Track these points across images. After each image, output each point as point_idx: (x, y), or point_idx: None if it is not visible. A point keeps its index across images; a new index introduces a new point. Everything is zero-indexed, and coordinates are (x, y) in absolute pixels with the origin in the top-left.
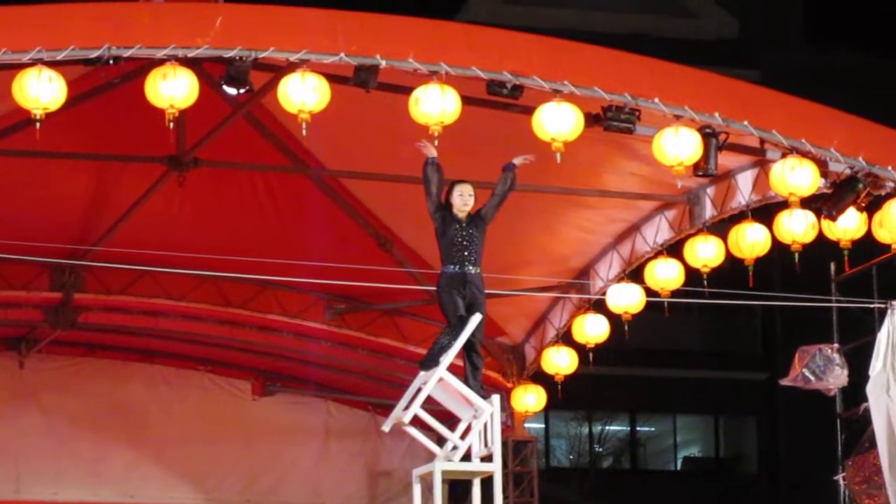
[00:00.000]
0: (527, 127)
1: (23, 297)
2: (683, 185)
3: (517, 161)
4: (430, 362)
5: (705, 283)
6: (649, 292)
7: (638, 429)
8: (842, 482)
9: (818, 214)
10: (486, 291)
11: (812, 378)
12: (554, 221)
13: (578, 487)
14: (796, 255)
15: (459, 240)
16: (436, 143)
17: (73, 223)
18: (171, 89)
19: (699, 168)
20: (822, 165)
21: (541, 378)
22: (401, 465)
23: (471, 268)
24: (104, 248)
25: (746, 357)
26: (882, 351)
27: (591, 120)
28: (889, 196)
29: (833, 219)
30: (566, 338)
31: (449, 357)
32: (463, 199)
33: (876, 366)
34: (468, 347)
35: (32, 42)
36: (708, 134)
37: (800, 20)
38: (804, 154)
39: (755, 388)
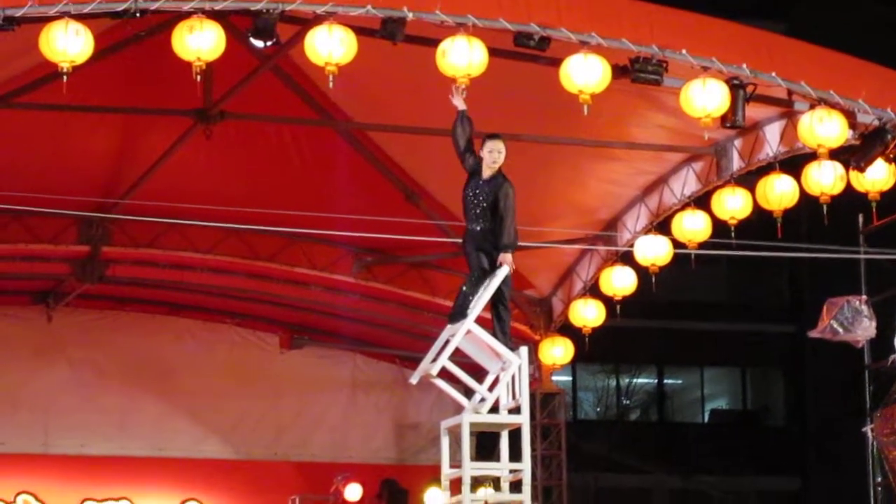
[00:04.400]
0: (554, 79)
1: (50, 250)
2: (711, 137)
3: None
4: (457, 315)
5: (733, 234)
6: (676, 244)
7: (665, 381)
8: (870, 434)
9: (846, 166)
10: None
11: (840, 330)
12: (581, 174)
13: (606, 440)
14: (824, 207)
15: (472, 196)
16: (463, 94)
17: (100, 177)
18: (198, 42)
19: (727, 120)
20: (850, 117)
21: (568, 330)
22: (428, 417)
23: (477, 226)
24: (131, 202)
25: (774, 309)
26: None
27: (619, 72)
28: None
29: (861, 170)
30: (593, 290)
31: (477, 309)
32: (492, 157)
33: None
34: (496, 300)
35: None
36: (735, 85)
37: None
38: (832, 105)
39: (783, 341)
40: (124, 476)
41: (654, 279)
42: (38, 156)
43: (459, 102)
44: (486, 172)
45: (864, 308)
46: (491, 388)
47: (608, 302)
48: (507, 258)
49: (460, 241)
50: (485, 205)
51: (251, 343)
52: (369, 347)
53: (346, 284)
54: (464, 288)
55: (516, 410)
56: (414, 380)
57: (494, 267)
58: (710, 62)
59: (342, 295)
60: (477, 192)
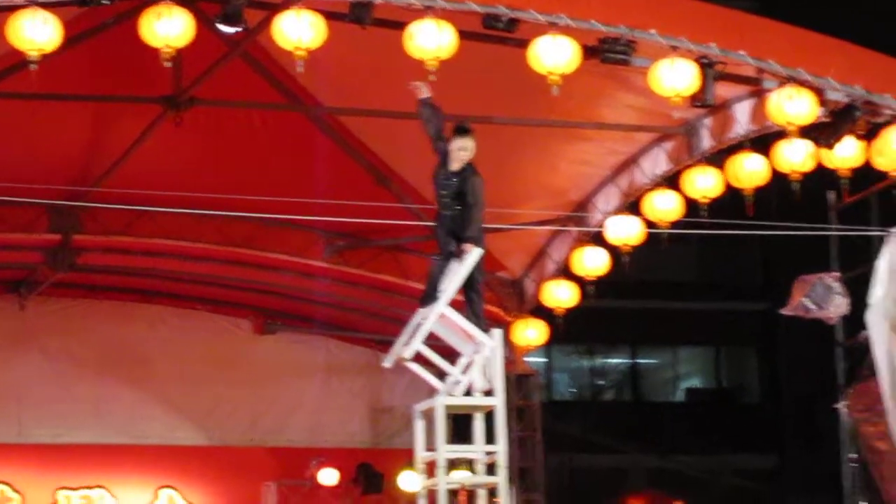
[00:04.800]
0: (523, 61)
1: (22, 239)
2: (681, 117)
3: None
4: (429, 298)
5: (704, 213)
6: (648, 224)
7: (639, 361)
8: (843, 410)
9: (816, 143)
10: (485, 226)
11: (812, 307)
12: (551, 155)
13: (581, 420)
14: (795, 185)
15: (441, 183)
16: (431, 77)
17: (70, 165)
18: (166, 29)
19: (696, 99)
20: (819, 94)
21: (541, 312)
22: (403, 400)
23: (447, 211)
24: (102, 190)
25: (746, 287)
26: (882, 278)
27: (588, 52)
28: (887, 124)
29: (831, 147)
30: (566, 271)
31: (449, 292)
32: (460, 154)
33: (876, 293)
34: (468, 282)
35: None
36: (705, 64)
37: None
38: (801, 83)
39: (755, 319)
40: (100, 464)
41: (626, 259)
42: (8, 145)
43: (422, 91)
44: (455, 165)
45: (836, 285)
46: (465, 371)
47: (581, 282)
48: (468, 248)
49: (433, 224)
50: (454, 193)
51: (225, 329)
52: (343, 332)
53: (318, 269)
54: (434, 271)
55: (490, 393)
56: (388, 363)
57: (462, 252)
58: (679, 42)
59: (315, 279)
60: (446, 181)
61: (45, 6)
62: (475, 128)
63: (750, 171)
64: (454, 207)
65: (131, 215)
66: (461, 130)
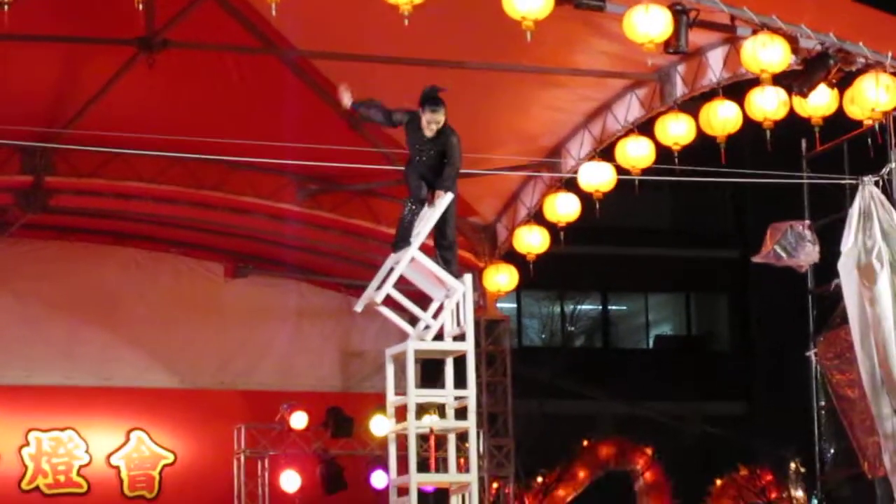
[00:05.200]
0: (497, 6)
1: None
2: (654, 63)
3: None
4: (400, 242)
5: (676, 160)
6: (620, 170)
7: (610, 307)
8: (813, 358)
9: (789, 91)
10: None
11: (783, 255)
12: (525, 101)
13: (550, 366)
14: (767, 132)
15: (416, 147)
16: (406, 22)
17: (42, 106)
18: None
19: (670, 45)
20: (792, 42)
21: (513, 257)
22: (373, 345)
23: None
24: (75, 131)
25: (718, 235)
26: (853, 227)
27: None
28: (860, 72)
29: (804, 95)
30: (538, 217)
31: (421, 237)
32: (430, 127)
33: (847, 242)
34: (440, 227)
35: None
36: (678, 11)
37: None
38: (775, 30)
39: (727, 266)
40: (70, 406)
41: (598, 205)
42: None
43: (346, 99)
44: (429, 134)
45: (808, 233)
46: (436, 316)
47: (552, 228)
48: (441, 194)
49: (404, 168)
50: (431, 153)
51: (196, 272)
52: (314, 276)
53: (290, 213)
54: (405, 215)
55: (461, 338)
56: (359, 308)
57: (434, 198)
58: None
59: (287, 223)
60: (420, 147)
61: None
62: (448, 73)
63: (723, 118)
64: (430, 160)
65: (104, 157)
66: (431, 102)
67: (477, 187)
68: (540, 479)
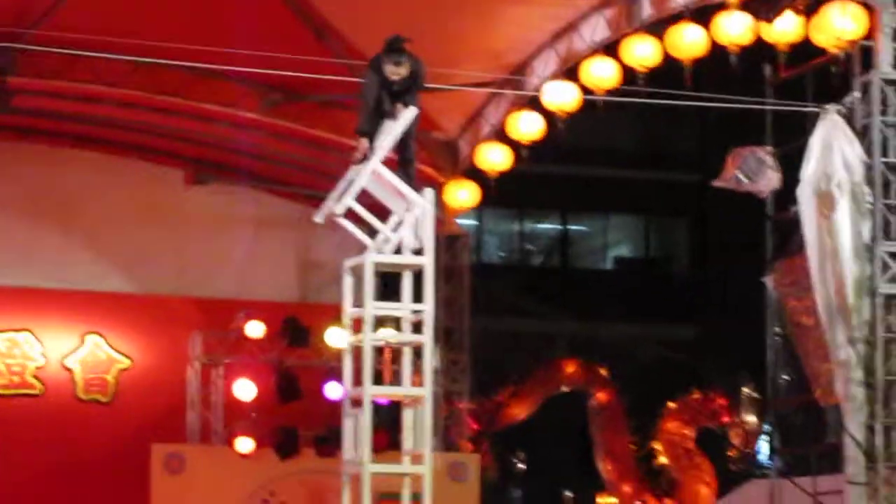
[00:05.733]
0: None
1: None
2: None
3: None
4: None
5: (641, 82)
6: (585, 90)
7: (569, 227)
8: (770, 284)
9: (756, 17)
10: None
11: (744, 180)
12: (491, 17)
13: (509, 284)
14: (733, 58)
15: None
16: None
17: (8, 6)
18: None
19: None
20: None
21: (474, 174)
22: (332, 256)
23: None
24: (39, 32)
25: (680, 158)
26: (814, 155)
27: None
28: (826, 0)
29: (770, 21)
30: (501, 134)
31: (383, 150)
32: (392, 77)
33: (808, 169)
34: (402, 141)
35: None
36: None
37: None
38: None
39: (687, 189)
40: (25, 307)
41: (561, 125)
42: None
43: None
44: (393, 78)
45: (769, 159)
46: (395, 229)
47: (515, 146)
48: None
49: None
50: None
51: (156, 178)
52: (274, 185)
53: (252, 121)
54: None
55: (420, 252)
56: (319, 218)
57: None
58: None
59: (248, 132)
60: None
61: None
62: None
63: (689, 41)
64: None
65: (67, 59)
66: (394, 54)
67: (441, 102)
68: (494, 397)
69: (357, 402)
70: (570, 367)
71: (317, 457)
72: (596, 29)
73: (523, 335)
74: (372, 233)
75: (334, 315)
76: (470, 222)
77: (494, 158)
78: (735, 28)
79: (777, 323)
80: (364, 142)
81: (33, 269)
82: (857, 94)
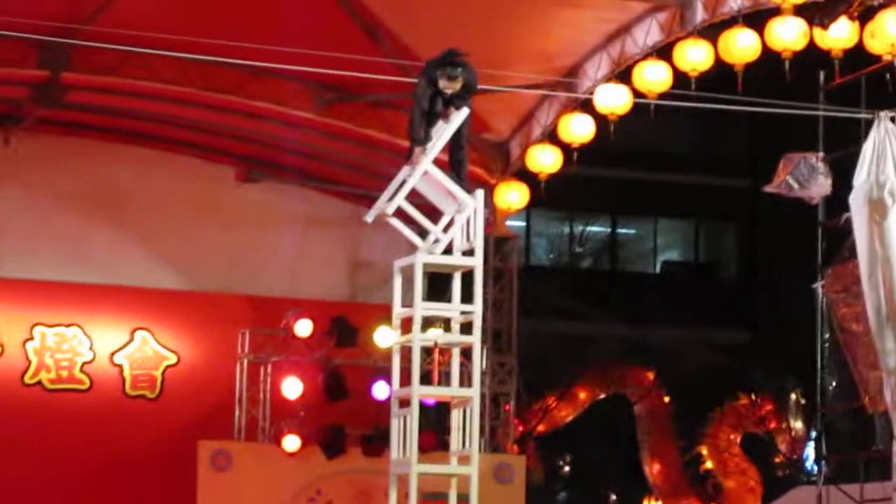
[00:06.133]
0: None
1: (10, 73)
2: None
3: None
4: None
5: (693, 87)
6: (637, 94)
7: (618, 230)
8: (820, 290)
9: (810, 22)
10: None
11: (795, 186)
12: (544, 19)
13: (557, 286)
14: (786, 63)
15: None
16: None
17: (63, 1)
18: None
19: None
20: None
21: (524, 176)
22: (382, 256)
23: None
24: (93, 28)
25: (731, 163)
26: (867, 161)
27: None
28: (882, 6)
29: (825, 27)
30: (551, 136)
31: (435, 150)
32: (446, 91)
33: (860, 176)
34: (454, 142)
35: None
36: None
37: None
38: None
39: (738, 194)
40: (76, 302)
41: (612, 128)
42: None
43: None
44: (448, 92)
45: (821, 165)
46: (446, 230)
47: (566, 148)
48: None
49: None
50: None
51: (208, 175)
52: (325, 184)
53: (304, 120)
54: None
55: (470, 253)
56: (369, 218)
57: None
58: None
59: (301, 131)
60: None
61: None
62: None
63: (742, 46)
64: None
65: (121, 56)
66: (449, 67)
67: (492, 104)
68: (541, 399)
69: (405, 402)
70: (618, 371)
71: (363, 456)
72: (649, 32)
73: (571, 338)
74: (422, 233)
75: (383, 315)
76: (519, 224)
77: (545, 160)
78: (789, 33)
79: (826, 329)
80: (418, 151)
81: (83, 265)
82: None
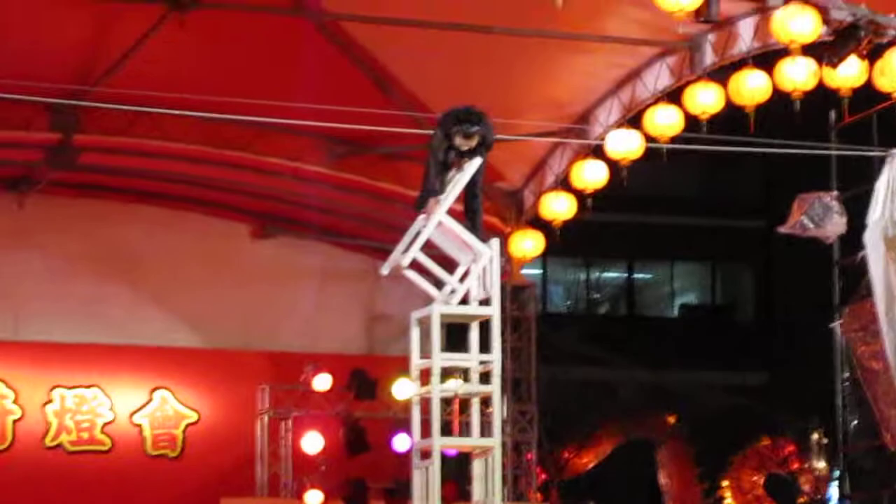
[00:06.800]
0: None
1: (22, 137)
2: (684, 32)
3: None
4: (422, 202)
5: (704, 129)
6: (648, 138)
7: (635, 275)
8: (838, 329)
9: (819, 62)
10: None
11: (810, 225)
12: (554, 66)
13: (575, 333)
14: (797, 103)
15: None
16: None
17: (72, 64)
18: None
19: (700, 14)
20: (823, 12)
21: (539, 223)
22: (399, 308)
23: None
24: (104, 90)
25: (745, 205)
26: (881, 199)
27: None
28: (891, 44)
29: (834, 66)
30: (565, 183)
31: (448, 200)
32: (462, 147)
33: (874, 214)
34: (468, 191)
35: None
36: None
37: None
38: (806, 1)
39: (753, 236)
40: (94, 364)
41: (625, 173)
42: (10, 42)
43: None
44: (463, 148)
45: (835, 204)
46: (462, 280)
47: (579, 195)
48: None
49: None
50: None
51: (221, 232)
52: (340, 238)
53: (317, 175)
54: (428, 174)
55: (486, 302)
56: (385, 271)
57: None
58: None
59: (313, 185)
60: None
61: None
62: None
63: (752, 87)
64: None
65: (132, 116)
66: (465, 125)
67: (505, 152)
68: (563, 446)
69: (426, 454)
70: (639, 416)
71: None
72: (659, 77)
73: (590, 384)
74: (438, 284)
75: (401, 367)
76: (535, 272)
77: (559, 207)
78: (798, 74)
79: (846, 368)
80: (433, 201)
81: (100, 326)
82: None
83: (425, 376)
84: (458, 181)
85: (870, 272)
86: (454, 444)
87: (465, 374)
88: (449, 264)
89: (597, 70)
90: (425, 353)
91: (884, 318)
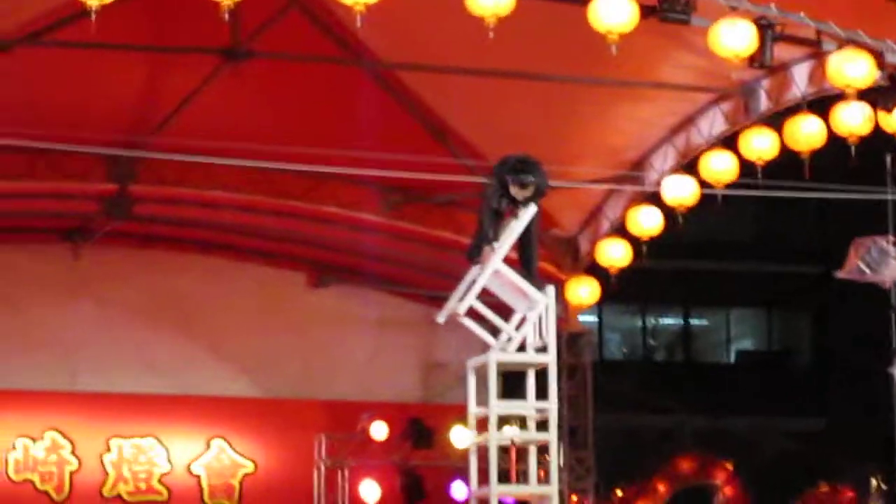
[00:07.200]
0: (582, 18)
1: (78, 188)
2: (739, 78)
3: None
4: (475, 251)
5: (760, 175)
6: (704, 184)
7: (691, 322)
8: None
9: (874, 107)
10: None
11: (867, 270)
12: (609, 114)
13: (632, 380)
14: (852, 148)
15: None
16: (491, 34)
17: (127, 115)
18: None
19: (755, 60)
20: (878, 57)
21: (595, 270)
22: (455, 356)
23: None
24: (159, 140)
25: (801, 250)
26: None
27: (647, 11)
28: None
29: (889, 111)
30: (620, 230)
31: (504, 248)
32: (518, 196)
33: None
34: (523, 239)
35: None
36: (763, 25)
37: None
38: (860, 46)
39: (809, 282)
40: (151, 414)
41: (681, 219)
42: (67, 94)
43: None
44: (518, 198)
45: (891, 248)
46: (518, 328)
47: (635, 242)
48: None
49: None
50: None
51: (278, 282)
52: (396, 286)
53: (373, 223)
54: (481, 227)
55: (543, 350)
56: (441, 319)
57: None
58: (738, 2)
59: (369, 234)
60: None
61: None
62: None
63: (807, 133)
64: None
65: (187, 166)
66: (521, 175)
67: (560, 199)
68: (620, 493)
69: (483, 502)
70: (696, 462)
71: None
72: (714, 123)
73: (647, 431)
74: (494, 332)
75: (458, 415)
76: (591, 319)
77: (614, 254)
78: (853, 118)
79: None
80: (488, 249)
81: (157, 376)
82: None
83: (482, 424)
84: (514, 229)
85: None
86: (512, 491)
87: (521, 421)
88: (505, 312)
89: (652, 117)
90: (482, 401)
91: None
